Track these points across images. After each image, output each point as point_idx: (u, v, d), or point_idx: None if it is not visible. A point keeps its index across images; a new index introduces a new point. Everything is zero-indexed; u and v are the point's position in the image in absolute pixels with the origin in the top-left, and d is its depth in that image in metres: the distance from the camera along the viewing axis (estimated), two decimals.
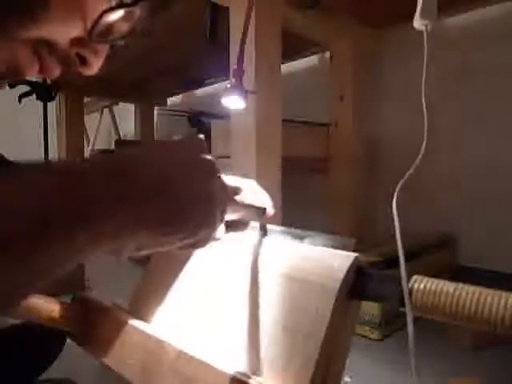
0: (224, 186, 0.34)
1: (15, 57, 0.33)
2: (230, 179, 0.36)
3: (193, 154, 0.33)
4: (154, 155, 0.31)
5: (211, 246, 0.35)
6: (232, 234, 0.45)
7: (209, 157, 0.33)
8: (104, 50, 0.38)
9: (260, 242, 0.46)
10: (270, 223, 0.48)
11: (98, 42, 0.36)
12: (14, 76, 0.35)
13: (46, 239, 0.23)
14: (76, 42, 0.35)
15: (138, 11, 0.36)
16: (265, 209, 0.44)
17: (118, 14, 0.35)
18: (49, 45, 0.34)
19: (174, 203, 0.29)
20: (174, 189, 0.29)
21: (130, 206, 0.27)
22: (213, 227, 0.33)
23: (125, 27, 0.37)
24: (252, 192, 0.43)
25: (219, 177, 0.34)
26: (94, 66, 0.38)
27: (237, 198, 0.39)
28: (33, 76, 0.36)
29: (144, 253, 0.31)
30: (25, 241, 0.22)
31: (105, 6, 0.33)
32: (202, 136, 0.35)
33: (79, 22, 0.34)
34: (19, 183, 0.23)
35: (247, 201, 0.41)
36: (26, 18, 0.31)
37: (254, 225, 0.47)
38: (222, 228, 0.36)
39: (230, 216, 0.39)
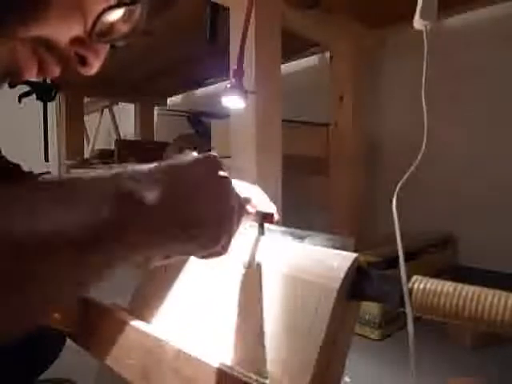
0: (239, 199, 0.37)
1: (14, 56, 0.33)
2: (238, 186, 0.38)
3: (210, 171, 0.34)
4: (174, 172, 0.32)
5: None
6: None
7: (224, 173, 0.35)
8: (104, 49, 0.38)
9: (257, 241, 0.46)
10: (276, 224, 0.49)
11: (98, 42, 0.36)
12: (13, 76, 0.35)
13: (92, 250, 0.24)
14: (76, 41, 0.35)
15: (137, 11, 0.36)
16: (272, 214, 0.47)
17: (117, 14, 0.35)
18: (48, 44, 0.34)
19: (194, 219, 0.31)
20: (194, 205, 0.31)
21: (155, 222, 0.28)
22: (230, 239, 0.35)
23: (125, 27, 0.36)
24: (258, 198, 0.46)
25: (234, 191, 0.36)
26: (94, 66, 0.38)
27: (247, 206, 0.42)
28: (32, 76, 0.36)
29: (168, 262, 0.34)
30: (76, 250, 0.23)
31: (104, 6, 0.33)
32: (215, 152, 0.37)
33: (79, 22, 0.33)
34: (70, 196, 0.25)
35: (256, 208, 0.45)
36: (26, 18, 0.31)
37: (253, 224, 0.48)
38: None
39: (243, 224, 0.41)
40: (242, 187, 0.44)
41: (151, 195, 0.28)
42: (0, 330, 0.23)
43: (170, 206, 0.29)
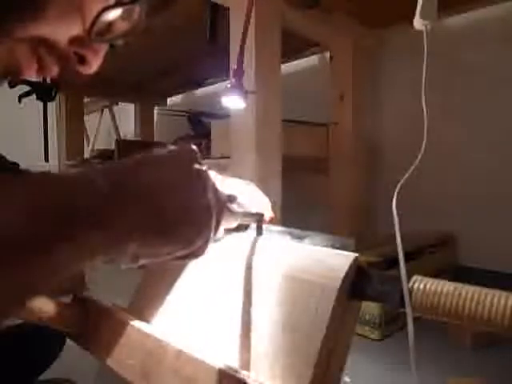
0: (218, 195, 0.34)
1: (13, 56, 0.33)
2: (228, 182, 0.36)
3: (185, 165, 0.32)
4: (147, 165, 0.31)
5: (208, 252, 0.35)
6: (230, 235, 0.46)
7: (201, 167, 0.33)
8: (103, 48, 0.38)
9: (255, 242, 0.46)
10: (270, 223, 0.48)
11: (97, 41, 0.36)
12: (12, 75, 0.35)
13: (65, 238, 0.24)
14: (75, 40, 0.35)
15: (136, 10, 0.36)
16: (262, 215, 0.45)
17: (116, 13, 0.35)
18: (47, 44, 0.34)
19: (167, 213, 0.29)
20: (167, 201, 0.29)
21: (126, 215, 0.27)
22: (207, 238, 0.33)
23: (123, 26, 0.36)
24: (250, 196, 0.43)
25: (213, 186, 0.33)
26: (93, 65, 0.38)
27: (233, 205, 0.39)
28: (31, 75, 0.36)
29: (140, 263, 0.31)
30: (48, 239, 0.23)
31: (103, 5, 0.33)
32: (193, 145, 0.34)
33: (78, 21, 0.33)
34: (41, 184, 0.25)
35: (244, 207, 0.42)
36: (25, 17, 0.31)
37: (254, 225, 0.47)
38: (220, 231, 0.36)
39: (226, 224, 0.39)
40: (235, 184, 0.42)
41: (117, 189, 0.27)
42: None
43: (137, 200, 0.28)
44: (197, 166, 0.33)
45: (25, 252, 0.22)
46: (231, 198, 0.40)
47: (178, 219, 0.30)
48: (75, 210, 0.25)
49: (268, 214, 0.46)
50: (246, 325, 0.41)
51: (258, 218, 0.45)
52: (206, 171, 0.33)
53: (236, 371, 0.37)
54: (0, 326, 0.24)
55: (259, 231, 0.46)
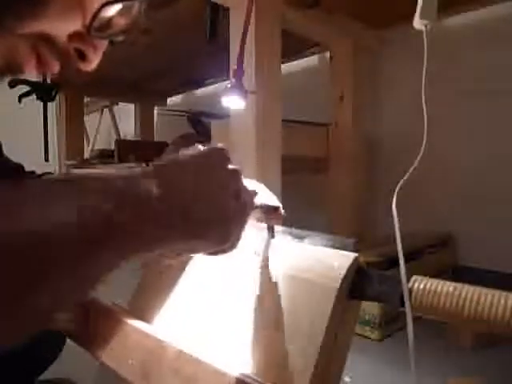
0: (248, 192, 0.36)
1: (13, 52, 0.33)
2: (246, 182, 0.37)
3: (219, 164, 0.33)
4: (183, 166, 0.31)
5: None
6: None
7: (234, 166, 0.34)
8: (103, 45, 0.38)
9: (268, 244, 0.46)
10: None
11: (97, 37, 0.36)
12: (12, 71, 0.35)
13: (113, 242, 0.25)
14: (75, 36, 0.35)
15: (136, 6, 0.36)
16: (278, 207, 0.45)
17: (116, 9, 0.35)
18: (47, 40, 0.34)
19: (204, 214, 0.30)
20: (206, 202, 0.30)
21: (165, 218, 0.28)
22: (240, 234, 0.34)
23: (123, 22, 0.36)
24: (263, 194, 0.45)
25: (244, 184, 0.35)
26: (93, 62, 0.38)
27: (254, 200, 0.40)
28: (31, 71, 0.36)
29: (182, 258, 0.33)
30: (86, 245, 0.23)
31: (103, 1, 0.33)
32: (221, 145, 0.35)
33: (78, 17, 0.33)
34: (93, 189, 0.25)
35: (262, 202, 0.43)
36: (25, 13, 0.31)
37: (262, 226, 0.47)
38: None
39: (252, 218, 0.40)
40: (248, 183, 0.43)
41: (158, 191, 0.27)
42: (11, 333, 0.23)
43: (177, 201, 0.29)
44: (230, 165, 0.34)
45: (62, 263, 0.23)
46: (254, 193, 0.41)
47: (214, 218, 0.31)
48: (124, 216, 0.25)
49: (281, 209, 0.46)
50: (245, 324, 0.41)
51: (274, 210, 0.45)
52: (238, 170, 0.34)
53: (235, 371, 0.37)
54: (34, 334, 0.24)
55: (272, 233, 0.46)
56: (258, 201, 0.42)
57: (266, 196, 0.45)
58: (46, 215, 0.22)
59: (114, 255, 0.25)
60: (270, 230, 0.46)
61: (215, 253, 0.34)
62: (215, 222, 0.31)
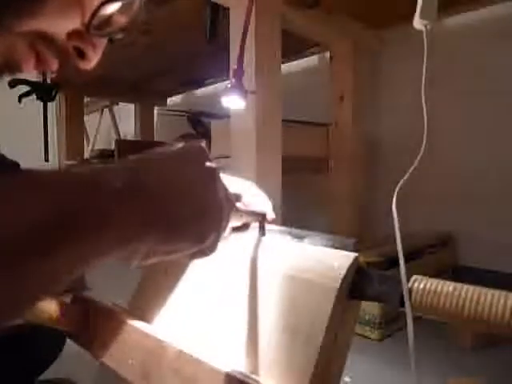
0: (227, 193, 0.34)
1: (12, 50, 0.33)
2: (230, 181, 0.36)
3: (197, 163, 0.32)
4: (159, 162, 0.31)
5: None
6: (233, 235, 0.46)
7: (212, 164, 0.33)
8: (102, 43, 0.38)
9: (259, 242, 0.46)
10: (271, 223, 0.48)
11: (96, 35, 0.36)
12: (11, 70, 0.35)
13: (73, 239, 0.23)
14: (74, 35, 0.35)
15: (135, 3, 0.36)
16: (265, 214, 0.45)
17: (115, 6, 0.35)
18: (46, 38, 0.34)
19: (179, 211, 0.29)
20: (179, 199, 0.29)
21: (139, 213, 0.27)
22: (218, 235, 0.33)
23: (123, 20, 0.36)
24: (252, 196, 0.44)
25: (223, 184, 0.34)
26: (92, 60, 0.37)
27: (238, 204, 0.39)
28: (30, 70, 0.35)
29: (152, 261, 0.31)
30: (54, 240, 0.22)
31: None
32: (203, 143, 0.34)
33: (77, 15, 0.33)
34: (47, 183, 0.24)
35: (248, 206, 0.42)
36: (23, 11, 0.31)
37: (254, 225, 0.47)
38: (227, 230, 0.36)
39: (232, 222, 0.39)
40: (236, 183, 0.42)
41: (131, 184, 0.27)
42: None
43: (150, 197, 0.28)
44: (208, 163, 0.33)
45: (27, 254, 0.22)
46: (237, 197, 0.40)
47: (189, 217, 0.30)
48: (85, 211, 0.24)
49: (270, 215, 0.46)
50: (245, 325, 0.41)
51: (261, 217, 0.45)
52: (216, 169, 0.33)
53: (235, 371, 0.37)
54: (2, 327, 0.23)
55: (262, 232, 0.46)
56: (244, 206, 0.41)
57: (254, 199, 0.44)
58: (9, 210, 0.22)
59: (83, 251, 0.24)
60: (261, 228, 0.46)
61: (193, 255, 0.32)
62: (190, 220, 0.30)
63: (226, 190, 0.34)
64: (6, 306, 0.22)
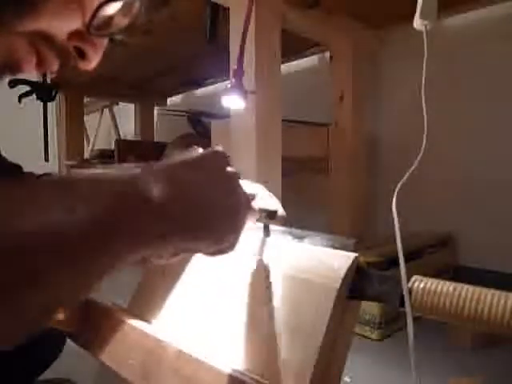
0: (245, 195, 0.36)
1: (12, 50, 0.33)
2: (243, 184, 0.37)
3: (218, 166, 0.34)
4: (184, 166, 0.32)
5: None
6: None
7: (232, 169, 0.35)
8: (103, 43, 0.38)
9: (263, 243, 0.46)
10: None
11: (97, 36, 0.36)
12: (11, 70, 0.35)
13: (102, 248, 0.24)
14: (74, 35, 0.35)
15: (136, 4, 0.36)
16: (276, 211, 0.45)
17: (116, 7, 0.35)
18: (47, 38, 0.34)
19: (202, 213, 0.31)
20: (202, 199, 0.31)
21: (164, 216, 0.28)
22: (238, 234, 0.35)
23: (123, 20, 0.36)
24: (263, 196, 0.45)
25: (241, 186, 0.35)
26: (93, 60, 0.37)
27: (253, 203, 0.41)
28: (31, 70, 0.36)
29: (178, 258, 0.33)
30: (82, 248, 0.23)
31: None
32: (221, 147, 0.36)
33: (77, 15, 0.33)
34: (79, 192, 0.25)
35: (260, 205, 0.43)
36: (24, 11, 0.31)
37: (257, 225, 0.47)
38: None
39: (249, 221, 0.40)
40: (246, 185, 0.43)
41: (159, 193, 0.27)
42: (11, 331, 0.23)
43: (178, 203, 0.29)
44: (229, 168, 0.34)
45: (57, 262, 0.22)
46: (252, 197, 0.42)
47: (212, 218, 0.31)
48: (116, 220, 0.25)
49: (281, 212, 0.47)
50: (245, 324, 0.41)
51: (274, 214, 0.46)
52: (236, 173, 0.35)
53: (235, 371, 0.37)
54: (34, 333, 0.23)
55: (267, 232, 0.47)
56: (257, 204, 0.42)
57: (266, 199, 0.45)
58: (36, 219, 0.22)
59: (109, 257, 0.25)
60: (266, 228, 0.47)
61: (212, 253, 0.34)
62: (213, 224, 0.31)
63: (244, 193, 0.36)
64: (38, 315, 0.23)
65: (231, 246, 0.35)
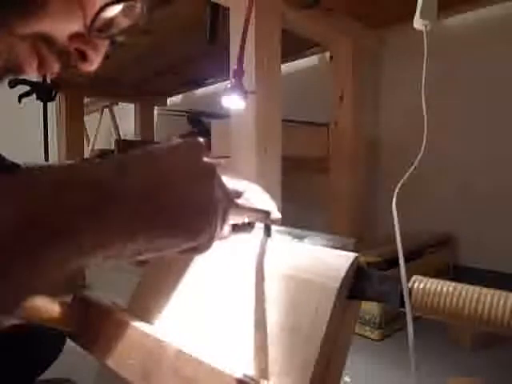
0: (225, 189, 0.33)
1: (14, 52, 0.33)
2: (232, 183, 0.36)
3: (192, 157, 0.32)
4: (154, 158, 0.30)
5: (212, 249, 0.34)
6: (236, 235, 0.45)
7: (209, 160, 0.32)
8: (104, 45, 0.38)
9: (264, 243, 0.46)
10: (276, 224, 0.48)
11: (98, 38, 0.36)
12: (13, 72, 0.35)
13: (47, 241, 0.23)
14: (75, 37, 0.35)
15: (137, 6, 0.36)
16: (269, 212, 0.44)
17: (117, 9, 0.35)
18: (48, 40, 0.34)
19: (172, 208, 0.29)
20: (173, 193, 0.29)
21: (128, 210, 0.26)
22: (213, 232, 0.32)
23: (124, 22, 0.36)
24: (255, 195, 0.43)
25: (219, 180, 0.33)
26: (94, 62, 0.38)
27: (239, 201, 0.38)
28: (32, 72, 0.36)
29: (143, 257, 0.30)
30: (27, 242, 0.22)
31: (104, 1, 0.33)
32: (201, 138, 0.34)
33: (79, 17, 0.33)
34: (37, 180, 0.24)
35: (251, 204, 0.41)
36: (26, 13, 0.31)
37: (259, 225, 0.47)
38: (226, 229, 0.35)
39: (233, 219, 0.38)
40: (240, 185, 0.42)
41: (124, 183, 0.26)
42: None
43: (145, 193, 0.27)
44: (205, 159, 0.32)
45: (16, 253, 0.22)
46: (238, 193, 0.39)
47: (182, 213, 0.29)
48: (74, 209, 0.24)
49: (275, 214, 0.45)
50: (245, 324, 0.41)
51: (265, 215, 0.44)
52: (213, 165, 0.32)
53: (235, 371, 0.37)
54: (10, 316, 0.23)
55: (268, 232, 0.46)
56: (247, 203, 0.40)
57: (257, 198, 0.43)
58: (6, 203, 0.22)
59: (70, 249, 0.24)
60: (266, 228, 0.46)
61: (186, 251, 0.32)
62: (181, 217, 0.29)
63: (223, 185, 0.33)
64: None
65: (205, 245, 0.32)
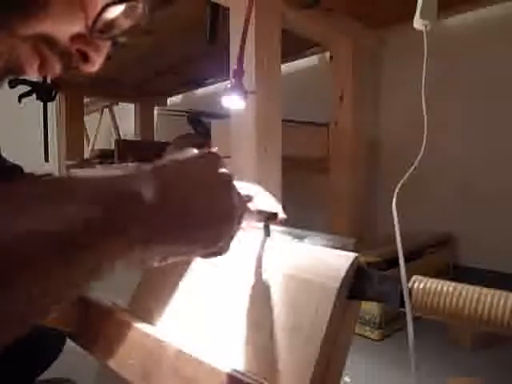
0: (240, 196, 0.36)
1: (15, 53, 0.33)
2: (240, 185, 0.37)
3: (212, 169, 0.34)
4: (174, 171, 0.31)
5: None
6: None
7: (225, 170, 0.34)
8: (105, 46, 0.38)
9: (263, 242, 0.46)
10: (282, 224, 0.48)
11: (99, 38, 0.36)
12: (14, 73, 0.35)
13: (82, 248, 0.24)
14: (77, 38, 0.35)
15: (139, 6, 0.36)
16: (276, 213, 0.46)
17: (118, 10, 0.35)
18: (49, 41, 0.34)
19: (198, 217, 0.31)
20: (199, 204, 0.31)
21: (150, 222, 0.27)
22: (232, 236, 0.34)
23: (126, 23, 0.36)
24: (261, 198, 0.45)
25: (235, 188, 0.35)
26: (96, 63, 0.38)
27: (249, 205, 0.41)
28: (33, 73, 0.36)
29: (169, 261, 0.32)
30: (58, 253, 0.23)
31: (106, 2, 0.33)
32: (215, 149, 0.36)
33: (80, 18, 0.33)
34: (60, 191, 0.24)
35: (259, 207, 0.43)
36: (27, 14, 0.31)
37: (258, 225, 0.47)
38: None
39: (245, 222, 0.40)
40: (244, 187, 0.43)
41: (149, 194, 0.27)
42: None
43: (169, 204, 0.29)
44: (222, 169, 0.34)
45: (37, 265, 0.22)
46: (249, 197, 0.42)
47: (204, 222, 0.31)
48: (96, 220, 0.24)
49: (281, 214, 0.47)
50: (245, 324, 0.41)
51: (273, 216, 0.46)
52: (230, 175, 0.34)
53: (235, 371, 0.37)
54: (21, 335, 0.23)
55: (267, 232, 0.47)
56: (256, 206, 0.43)
57: (264, 201, 0.45)
58: (26, 218, 0.22)
59: (99, 257, 0.25)
60: (266, 228, 0.47)
61: (204, 256, 0.34)
62: (204, 225, 0.31)
63: (239, 194, 0.35)
64: (27, 315, 0.23)
65: (223, 250, 0.34)
